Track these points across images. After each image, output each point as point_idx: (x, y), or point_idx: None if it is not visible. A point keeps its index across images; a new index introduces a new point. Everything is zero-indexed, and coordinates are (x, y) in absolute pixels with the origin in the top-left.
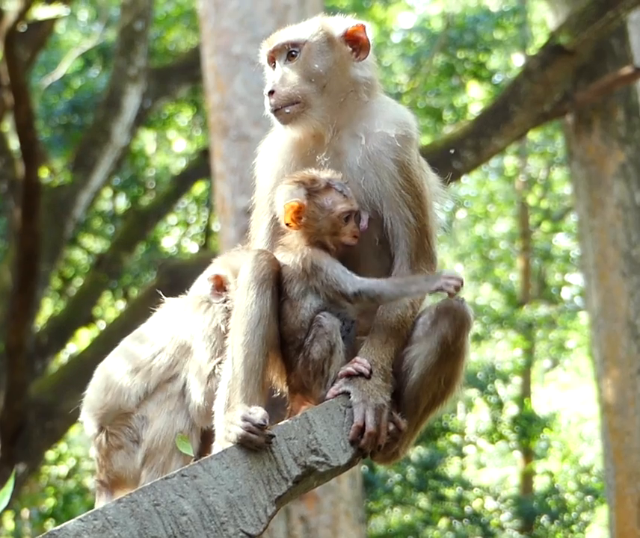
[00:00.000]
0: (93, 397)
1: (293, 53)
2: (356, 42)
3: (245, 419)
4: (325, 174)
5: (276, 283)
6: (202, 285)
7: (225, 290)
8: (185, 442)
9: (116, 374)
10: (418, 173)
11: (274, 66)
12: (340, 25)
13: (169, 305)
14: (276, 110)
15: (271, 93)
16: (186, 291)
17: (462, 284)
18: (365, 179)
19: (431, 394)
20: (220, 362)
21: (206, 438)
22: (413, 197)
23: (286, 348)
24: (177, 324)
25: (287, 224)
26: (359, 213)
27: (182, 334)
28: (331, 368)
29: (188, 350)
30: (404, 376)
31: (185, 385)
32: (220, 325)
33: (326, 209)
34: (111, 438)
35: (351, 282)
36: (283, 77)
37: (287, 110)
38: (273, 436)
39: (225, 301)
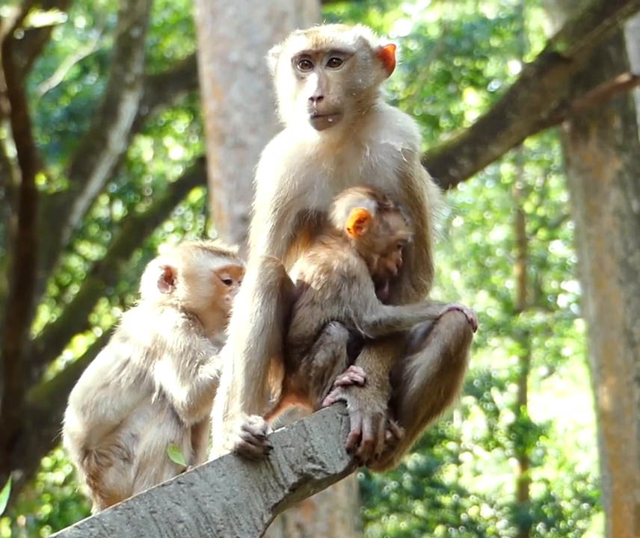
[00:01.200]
0: (73, 422)
1: (336, 60)
2: (387, 61)
3: (245, 429)
4: (391, 196)
5: (281, 290)
6: (152, 270)
7: (172, 283)
8: (176, 452)
9: (89, 393)
10: (419, 185)
11: (309, 64)
12: (376, 41)
13: (128, 316)
14: (317, 116)
15: (320, 98)
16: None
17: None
18: None
19: (430, 404)
20: (201, 363)
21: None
22: (413, 208)
23: (291, 351)
24: (138, 333)
25: (347, 229)
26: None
27: (144, 341)
28: (331, 377)
29: (153, 356)
30: (403, 385)
31: (161, 390)
32: (176, 323)
33: (389, 229)
34: (100, 459)
35: (375, 309)
36: (328, 84)
37: (330, 120)
38: (271, 448)
39: (171, 294)
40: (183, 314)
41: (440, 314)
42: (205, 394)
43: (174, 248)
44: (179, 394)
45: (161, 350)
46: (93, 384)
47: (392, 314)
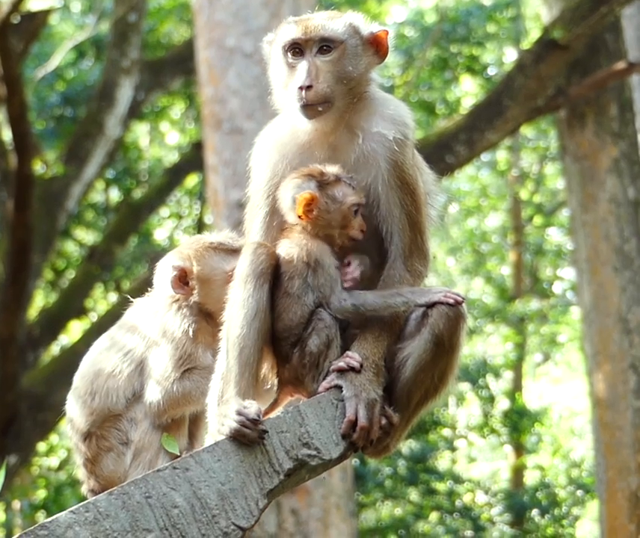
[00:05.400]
0: (79, 403)
1: (326, 47)
2: (379, 47)
3: (239, 413)
4: (331, 168)
5: (273, 277)
6: (165, 269)
7: (187, 284)
8: (171, 441)
9: (99, 378)
10: (412, 172)
11: (300, 52)
12: (367, 27)
13: (140, 304)
14: (307, 105)
15: (309, 87)
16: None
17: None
18: (359, 177)
19: (424, 389)
20: (188, 370)
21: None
22: (406, 195)
23: (279, 343)
24: (146, 324)
25: (299, 216)
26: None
27: (151, 333)
28: (326, 362)
29: (154, 346)
30: (396, 372)
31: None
32: (188, 329)
33: (337, 201)
34: (100, 442)
35: (339, 291)
36: (318, 73)
37: (320, 109)
38: (266, 431)
39: (186, 297)
40: (197, 317)
41: (413, 306)
42: (179, 399)
43: (188, 247)
44: (153, 392)
45: (162, 342)
46: (102, 369)
47: (356, 296)
